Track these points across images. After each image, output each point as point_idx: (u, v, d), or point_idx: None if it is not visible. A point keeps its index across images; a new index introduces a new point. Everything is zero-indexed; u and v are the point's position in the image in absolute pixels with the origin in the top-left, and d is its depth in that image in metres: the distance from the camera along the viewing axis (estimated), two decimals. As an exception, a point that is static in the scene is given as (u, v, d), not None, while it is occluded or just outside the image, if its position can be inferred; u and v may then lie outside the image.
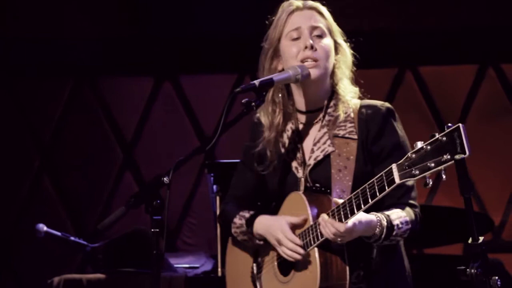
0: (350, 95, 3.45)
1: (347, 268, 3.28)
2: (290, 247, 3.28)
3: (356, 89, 3.48)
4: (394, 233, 3.19)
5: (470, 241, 2.83)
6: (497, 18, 7.76)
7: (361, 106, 3.44)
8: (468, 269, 2.80)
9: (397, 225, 3.19)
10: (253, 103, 3.30)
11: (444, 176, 2.87)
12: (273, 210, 3.48)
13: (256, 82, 3.33)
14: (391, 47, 7.20)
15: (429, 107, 7.41)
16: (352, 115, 3.41)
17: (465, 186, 2.88)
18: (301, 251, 3.26)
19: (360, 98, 3.49)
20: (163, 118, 8.15)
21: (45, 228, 4.83)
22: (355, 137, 3.33)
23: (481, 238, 2.84)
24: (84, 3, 8.33)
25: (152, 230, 3.15)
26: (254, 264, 3.50)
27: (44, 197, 7.62)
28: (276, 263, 3.43)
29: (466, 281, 2.83)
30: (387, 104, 3.47)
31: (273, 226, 3.35)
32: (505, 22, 7.78)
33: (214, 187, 4.13)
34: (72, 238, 4.78)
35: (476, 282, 2.79)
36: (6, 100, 8.51)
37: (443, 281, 3.36)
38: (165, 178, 3.15)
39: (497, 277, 2.86)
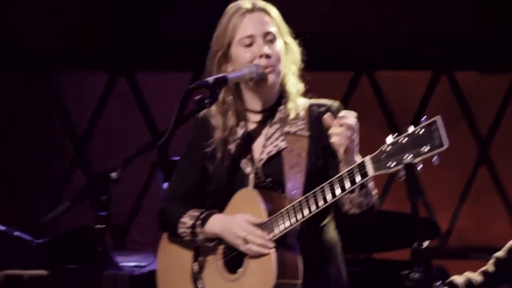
0: (298, 93, 3.48)
1: (301, 265, 3.30)
2: (259, 243, 3.27)
3: (302, 86, 3.50)
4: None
5: (414, 246, 2.85)
6: (451, 25, 7.75)
7: (312, 105, 3.47)
8: (411, 274, 2.83)
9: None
10: (206, 101, 3.30)
11: (419, 168, 2.92)
12: (219, 208, 3.47)
13: (210, 79, 3.33)
14: (347, 51, 7.17)
15: (383, 112, 7.43)
16: (302, 113, 3.44)
17: (414, 191, 2.90)
18: (271, 245, 3.26)
19: (309, 97, 3.52)
20: (117, 114, 7.93)
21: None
22: (307, 134, 3.36)
23: (425, 243, 2.87)
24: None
25: (97, 226, 3.13)
26: (195, 263, 3.48)
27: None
28: (221, 262, 3.42)
29: (410, 286, 2.86)
30: (338, 102, 3.50)
31: (234, 226, 3.34)
32: (459, 30, 7.79)
33: (165, 185, 4.09)
34: (17, 233, 4.72)
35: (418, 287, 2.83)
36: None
37: (391, 286, 3.35)
38: (113, 174, 3.14)
39: (439, 283, 2.90)
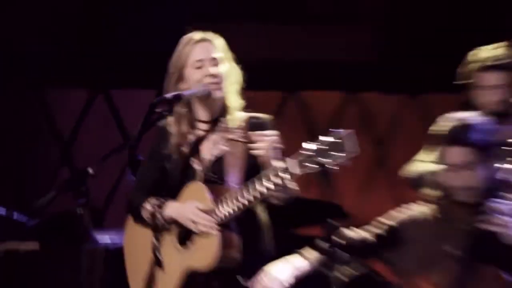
0: (239, 108, 3.50)
1: (239, 242, 3.32)
2: (206, 224, 3.28)
3: (242, 102, 3.52)
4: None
5: (326, 223, 2.90)
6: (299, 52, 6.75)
7: (250, 117, 3.48)
8: (321, 243, 2.88)
9: None
10: (165, 113, 3.34)
11: (334, 168, 2.97)
12: (173, 197, 3.46)
13: (169, 95, 3.36)
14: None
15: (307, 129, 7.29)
16: (242, 123, 3.45)
17: (326, 184, 2.96)
18: (215, 226, 3.27)
19: (248, 111, 3.52)
20: (95, 130, 7.18)
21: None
22: (244, 140, 3.36)
23: (333, 222, 2.92)
24: (30, 16, 7.16)
25: (78, 210, 3.15)
26: (154, 239, 3.48)
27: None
28: (175, 237, 3.43)
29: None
30: (270, 116, 3.53)
31: (185, 211, 3.34)
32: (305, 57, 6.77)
33: (133, 178, 4.08)
34: (16, 215, 4.69)
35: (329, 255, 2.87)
36: None
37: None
38: (90, 170, 3.16)
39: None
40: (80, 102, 6.78)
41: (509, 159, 3.60)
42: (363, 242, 3.38)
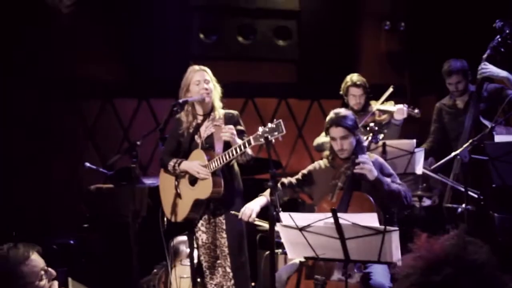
0: (220, 107, 3.44)
1: (222, 183, 3.28)
2: (204, 173, 3.24)
3: (221, 104, 3.45)
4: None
5: (270, 171, 2.86)
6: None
7: (226, 112, 3.42)
8: (268, 183, 2.84)
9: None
10: (178, 110, 3.28)
11: (273, 141, 2.96)
12: (185, 158, 3.41)
13: (180, 100, 3.31)
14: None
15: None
16: (221, 116, 3.39)
17: (269, 150, 2.92)
18: (209, 174, 3.23)
19: (226, 109, 3.46)
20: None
21: (88, 164, 4.61)
22: (223, 126, 3.29)
23: (275, 170, 2.89)
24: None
25: (132, 165, 3.10)
26: (176, 181, 3.44)
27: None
28: (187, 180, 3.39)
29: (269, 186, 2.85)
30: (237, 112, 3.46)
31: (192, 166, 3.29)
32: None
33: (162, 147, 3.99)
34: (100, 169, 4.61)
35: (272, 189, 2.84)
36: None
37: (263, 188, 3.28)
38: (138, 142, 3.11)
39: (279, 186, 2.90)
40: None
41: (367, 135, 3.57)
42: (291, 183, 3.33)
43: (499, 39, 3.86)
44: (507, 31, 3.83)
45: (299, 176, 3.34)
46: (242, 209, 3.18)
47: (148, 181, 4.30)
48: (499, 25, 3.87)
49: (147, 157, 5.77)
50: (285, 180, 3.34)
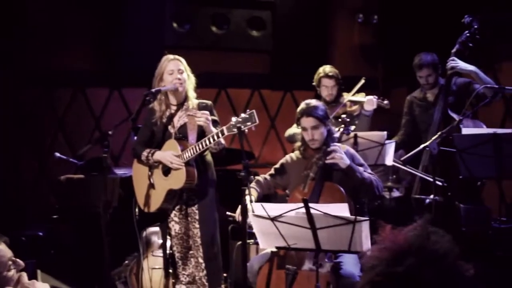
0: (194, 97, 3.42)
1: (196, 173, 3.27)
2: (177, 163, 3.23)
3: (195, 94, 3.44)
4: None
5: (243, 162, 2.88)
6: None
7: (200, 102, 3.41)
8: (241, 173, 2.87)
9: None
10: (151, 99, 3.25)
11: (246, 131, 2.97)
12: (158, 148, 3.40)
13: (153, 90, 3.29)
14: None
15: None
16: (195, 106, 3.38)
17: (241, 140, 2.94)
18: (183, 164, 3.22)
19: (200, 98, 3.45)
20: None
21: (58, 154, 4.54)
22: (195, 115, 3.27)
23: (247, 161, 2.91)
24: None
25: (104, 155, 3.08)
26: (149, 172, 3.42)
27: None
28: (161, 171, 3.37)
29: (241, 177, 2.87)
30: (210, 102, 3.46)
31: (165, 156, 3.27)
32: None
33: (135, 137, 3.97)
34: (70, 159, 4.55)
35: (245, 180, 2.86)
36: None
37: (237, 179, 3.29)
38: (110, 132, 3.09)
39: (252, 177, 2.93)
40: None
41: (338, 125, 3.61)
42: (265, 179, 3.34)
43: (468, 35, 3.95)
44: (475, 27, 3.92)
45: (272, 171, 3.36)
46: (238, 211, 3.16)
47: (120, 172, 4.26)
48: (467, 20, 3.96)
49: (119, 147, 5.72)
50: (260, 178, 3.36)
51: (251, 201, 2.80)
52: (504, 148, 3.01)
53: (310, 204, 2.45)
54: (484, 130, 3.55)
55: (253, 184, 3.29)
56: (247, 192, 2.91)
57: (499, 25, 4.56)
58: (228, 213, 3.26)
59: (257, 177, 3.37)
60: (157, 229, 3.77)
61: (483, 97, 3.74)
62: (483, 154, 3.08)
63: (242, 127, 2.96)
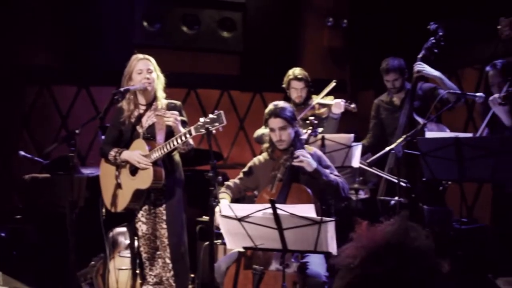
0: (163, 97, 3.42)
1: (163, 174, 3.27)
2: (145, 163, 3.22)
3: (165, 94, 3.42)
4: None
5: (211, 162, 2.89)
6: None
7: (168, 102, 3.40)
8: (209, 173, 2.87)
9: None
10: (119, 98, 3.24)
11: (214, 132, 2.96)
12: (126, 147, 3.38)
13: (122, 89, 3.27)
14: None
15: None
16: (164, 106, 3.37)
17: (209, 141, 2.95)
18: (150, 164, 3.21)
19: (169, 99, 3.44)
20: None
21: (22, 153, 4.46)
22: (164, 115, 3.26)
23: (215, 161, 2.92)
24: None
25: (71, 154, 3.04)
26: (116, 171, 3.40)
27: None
28: (128, 170, 3.36)
29: (209, 177, 2.86)
30: (179, 102, 3.46)
31: (133, 156, 3.25)
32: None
33: (103, 137, 3.93)
34: (35, 158, 4.47)
35: (213, 181, 2.86)
36: None
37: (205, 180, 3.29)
38: (77, 131, 3.05)
39: (219, 177, 2.93)
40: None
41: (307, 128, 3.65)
42: (236, 184, 3.36)
43: (433, 41, 4.06)
44: (441, 33, 4.04)
45: (240, 175, 3.38)
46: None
47: (87, 171, 4.21)
48: (433, 27, 4.08)
49: (86, 146, 5.65)
50: (230, 182, 3.37)
51: (217, 200, 2.81)
52: (465, 152, 3.09)
53: (277, 205, 2.48)
54: (446, 134, 3.65)
55: (224, 189, 3.30)
56: (220, 196, 2.92)
57: (462, 33, 4.70)
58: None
59: (226, 183, 3.38)
60: (124, 229, 3.75)
61: (446, 102, 3.86)
62: (445, 157, 3.15)
63: (210, 127, 2.97)
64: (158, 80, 3.39)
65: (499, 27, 4.48)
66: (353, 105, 4.15)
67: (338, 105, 4.13)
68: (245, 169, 3.37)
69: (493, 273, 3.26)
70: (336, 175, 3.18)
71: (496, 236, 3.59)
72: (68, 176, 3.20)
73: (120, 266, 3.64)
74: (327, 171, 3.15)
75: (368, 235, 1.08)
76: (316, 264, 2.91)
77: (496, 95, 3.30)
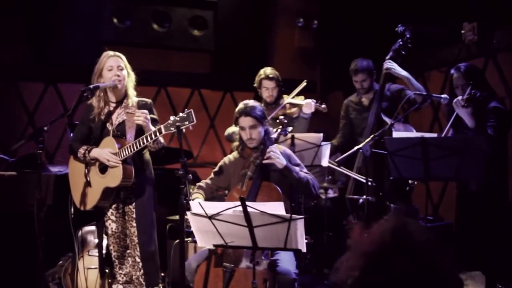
0: (134, 95, 3.41)
1: (133, 172, 3.26)
2: (114, 161, 3.20)
3: (135, 92, 3.42)
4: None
5: (181, 160, 2.90)
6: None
7: (139, 100, 3.39)
8: (179, 172, 2.88)
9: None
10: (88, 95, 3.22)
11: (184, 130, 2.95)
12: (96, 145, 3.36)
13: (91, 86, 3.24)
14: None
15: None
16: (135, 104, 3.36)
17: (180, 138, 2.95)
18: (119, 162, 3.20)
19: (139, 97, 3.43)
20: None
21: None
22: (135, 113, 3.24)
23: (185, 159, 2.93)
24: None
25: (38, 151, 3.01)
26: (86, 169, 3.38)
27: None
28: (97, 168, 3.34)
29: (180, 175, 2.86)
30: (150, 100, 3.45)
31: (102, 153, 3.24)
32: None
33: (71, 134, 3.89)
34: (2, 155, 4.37)
35: (183, 179, 2.87)
36: None
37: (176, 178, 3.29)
38: (45, 128, 3.02)
39: (189, 175, 2.94)
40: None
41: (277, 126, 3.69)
42: (207, 184, 3.37)
43: (401, 43, 4.17)
44: (408, 36, 4.14)
45: (212, 175, 3.39)
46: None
47: (55, 169, 4.15)
48: (400, 29, 4.18)
49: (54, 144, 5.57)
50: (201, 183, 3.38)
51: (187, 198, 2.82)
52: (430, 152, 3.17)
53: (247, 203, 2.50)
54: (413, 134, 3.74)
55: (196, 190, 3.31)
56: (193, 196, 2.91)
57: (429, 36, 4.82)
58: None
59: (198, 184, 3.39)
60: (93, 228, 3.72)
61: (413, 103, 3.96)
62: (412, 157, 3.22)
63: (180, 126, 2.97)
64: (129, 78, 3.38)
65: (463, 31, 4.65)
66: (323, 106, 4.20)
67: (309, 105, 4.18)
68: (216, 168, 3.39)
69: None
70: (306, 173, 3.22)
71: (459, 233, 3.68)
72: (36, 173, 3.15)
73: (89, 265, 3.61)
74: (297, 168, 3.19)
75: (364, 239, 1.01)
76: (286, 261, 2.94)
77: (459, 98, 3.40)
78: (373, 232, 1.02)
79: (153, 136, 3.13)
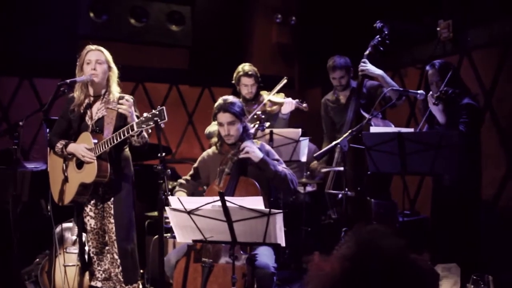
0: (116, 90, 3.39)
1: (109, 168, 3.25)
2: (89, 156, 3.19)
3: (118, 88, 3.40)
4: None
5: (159, 155, 2.89)
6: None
7: (121, 96, 3.36)
8: (157, 167, 2.86)
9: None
10: (65, 90, 3.20)
11: (163, 125, 2.93)
12: (74, 140, 3.34)
13: (68, 80, 3.22)
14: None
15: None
16: (115, 99, 3.34)
17: (159, 134, 2.94)
18: (94, 158, 3.19)
19: (121, 92, 3.41)
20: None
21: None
22: (116, 109, 3.25)
23: (163, 154, 2.92)
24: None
25: (14, 147, 2.97)
26: (64, 164, 3.35)
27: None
28: (74, 164, 3.32)
29: (158, 171, 2.82)
30: (131, 96, 3.40)
31: (78, 149, 3.22)
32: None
33: (47, 130, 3.85)
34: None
35: (161, 174, 2.86)
36: None
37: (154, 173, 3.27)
38: (20, 123, 2.98)
39: (168, 170, 2.93)
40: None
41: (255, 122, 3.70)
42: (188, 181, 3.37)
43: (379, 39, 4.22)
44: (386, 32, 4.19)
45: (191, 171, 3.39)
46: None
47: (30, 166, 4.10)
48: (379, 25, 4.23)
49: (29, 140, 5.50)
50: (182, 180, 3.38)
51: (166, 193, 2.82)
52: (407, 146, 3.23)
53: (226, 197, 2.51)
54: (390, 129, 3.80)
55: (178, 188, 3.32)
56: (176, 195, 2.89)
57: (405, 33, 4.89)
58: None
59: (179, 180, 3.39)
60: (70, 224, 3.69)
61: (389, 99, 4.02)
62: (388, 151, 3.27)
63: (151, 123, 2.95)
64: (112, 73, 3.37)
65: (438, 29, 4.73)
66: (304, 104, 4.20)
67: (289, 103, 4.17)
68: (195, 164, 3.39)
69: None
70: (284, 167, 3.24)
71: (435, 226, 3.75)
72: (11, 170, 3.12)
73: (67, 262, 3.58)
74: (275, 162, 3.21)
75: (325, 267, 0.97)
76: (265, 256, 2.96)
77: (430, 94, 3.46)
78: (332, 261, 0.98)
79: (125, 133, 3.11)
